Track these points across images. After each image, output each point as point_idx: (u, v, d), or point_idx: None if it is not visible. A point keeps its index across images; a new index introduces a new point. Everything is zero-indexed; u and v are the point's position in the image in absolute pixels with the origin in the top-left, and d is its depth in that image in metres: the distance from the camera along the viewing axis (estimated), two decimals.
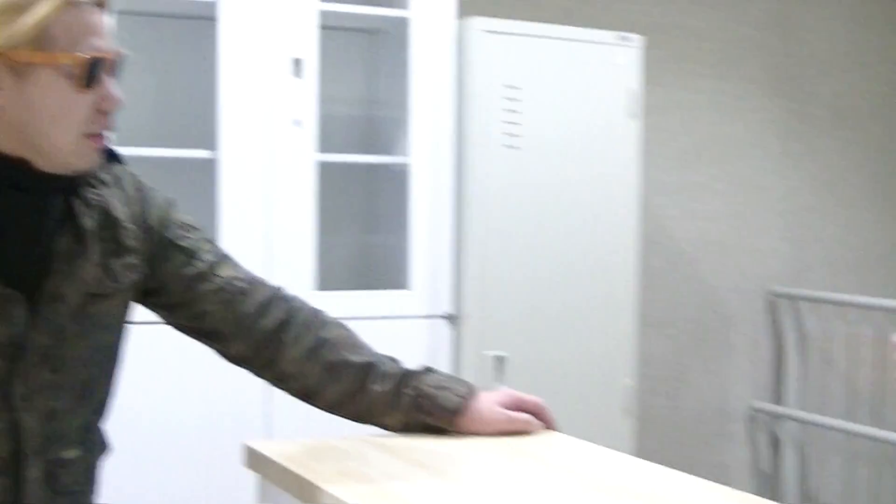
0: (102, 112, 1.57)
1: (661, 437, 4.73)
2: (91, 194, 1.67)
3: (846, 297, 4.96)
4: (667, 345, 4.81)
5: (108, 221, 1.69)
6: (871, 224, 5.24)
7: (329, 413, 1.92)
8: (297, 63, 3.44)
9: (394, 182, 3.70)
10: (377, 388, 1.89)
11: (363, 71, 3.96)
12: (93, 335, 1.68)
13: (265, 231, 3.43)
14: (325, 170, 3.55)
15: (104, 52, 1.55)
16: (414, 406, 1.89)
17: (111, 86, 1.57)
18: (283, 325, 1.87)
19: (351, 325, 1.96)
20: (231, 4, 3.40)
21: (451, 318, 3.61)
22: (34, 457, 1.62)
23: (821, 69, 5.07)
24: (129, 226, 1.73)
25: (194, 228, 1.84)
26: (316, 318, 1.92)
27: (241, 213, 3.40)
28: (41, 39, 1.50)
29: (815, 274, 5.12)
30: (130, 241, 1.73)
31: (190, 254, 1.81)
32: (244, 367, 1.91)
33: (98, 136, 1.58)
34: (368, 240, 3.93)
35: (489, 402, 1.93)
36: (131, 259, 1.73)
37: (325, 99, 3.57)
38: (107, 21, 1.59)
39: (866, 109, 5.18)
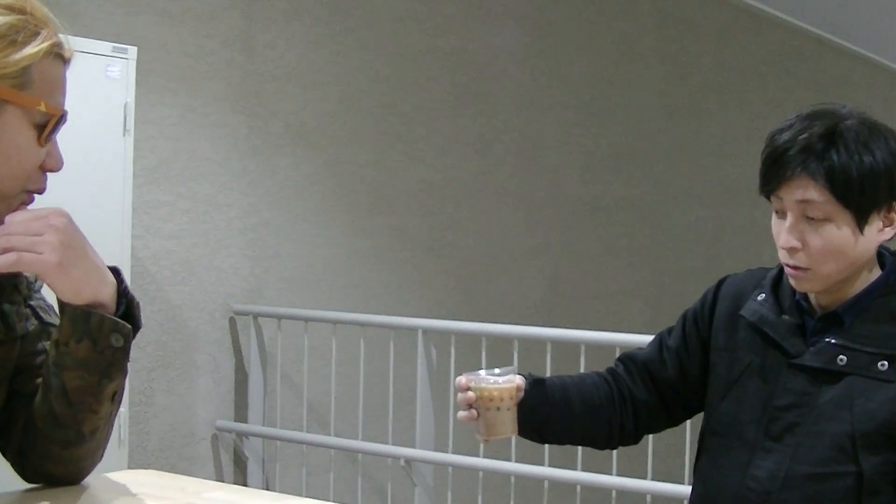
0: (44, 171, 1.50)
1: (135, 464, 4.53)
2: None
3: (306, 312, 5.06)
4: (133, 369, 4.61)
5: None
6: (325, 239, 5.38)
7: None
8: None
9: None
10: None
11: None
12: None
13: None
14: None
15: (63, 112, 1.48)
16: None
17: (58, 147, 1.50)
18: None
19: None
20: None
21: None
22: None
23: (279, 87, 5.12)
24: (29, 276, 1.60)
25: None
26: None
27: None
28: (22, 79, 1.42)
29: (274, 290, 5.17)
30: (26, 291, 1.60)
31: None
32: None
33: (32, 195, 1.50)
34: None
35: None
36: (25, 309, 1.60)
37: None
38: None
39: (318, 126, 5.31)
